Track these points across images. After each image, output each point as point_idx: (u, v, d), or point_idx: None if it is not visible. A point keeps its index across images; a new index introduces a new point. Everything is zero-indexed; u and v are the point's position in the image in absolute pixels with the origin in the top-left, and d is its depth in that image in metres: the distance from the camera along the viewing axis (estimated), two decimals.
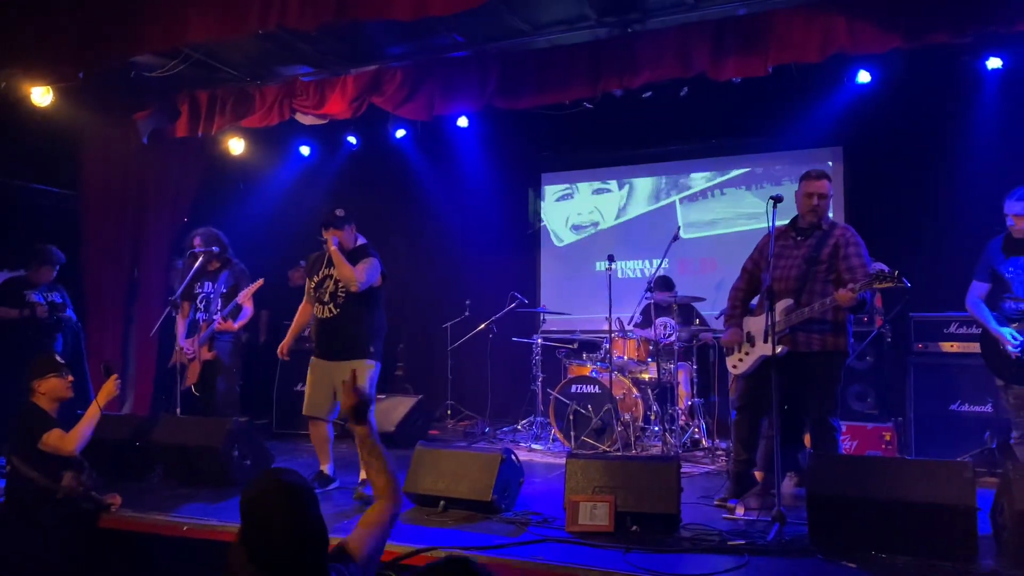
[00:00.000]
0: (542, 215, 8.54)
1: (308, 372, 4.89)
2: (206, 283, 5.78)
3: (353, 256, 4.79)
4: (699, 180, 7.79)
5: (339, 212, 4.83)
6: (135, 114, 6.79)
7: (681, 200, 7.07)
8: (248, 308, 5.78)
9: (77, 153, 7.10)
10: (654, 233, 6.81)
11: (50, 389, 4.28)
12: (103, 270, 7.10)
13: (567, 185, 8.45)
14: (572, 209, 7.66)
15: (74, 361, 6.27)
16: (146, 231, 7.21)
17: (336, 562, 2.09)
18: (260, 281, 5.77)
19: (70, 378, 4.38)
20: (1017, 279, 4.46)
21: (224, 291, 5.71)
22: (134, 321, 7.09)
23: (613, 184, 7.49)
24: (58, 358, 4.49)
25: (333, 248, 4.71)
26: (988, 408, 5.32)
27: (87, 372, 6.47)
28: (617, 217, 7.66)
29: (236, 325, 5.71)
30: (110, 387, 4.36)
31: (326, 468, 4.88)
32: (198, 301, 5.78)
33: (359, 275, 4.69)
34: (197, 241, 5.77)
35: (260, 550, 1.91)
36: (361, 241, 4.95)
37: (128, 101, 6.79)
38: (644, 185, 7.70)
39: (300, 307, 5.09)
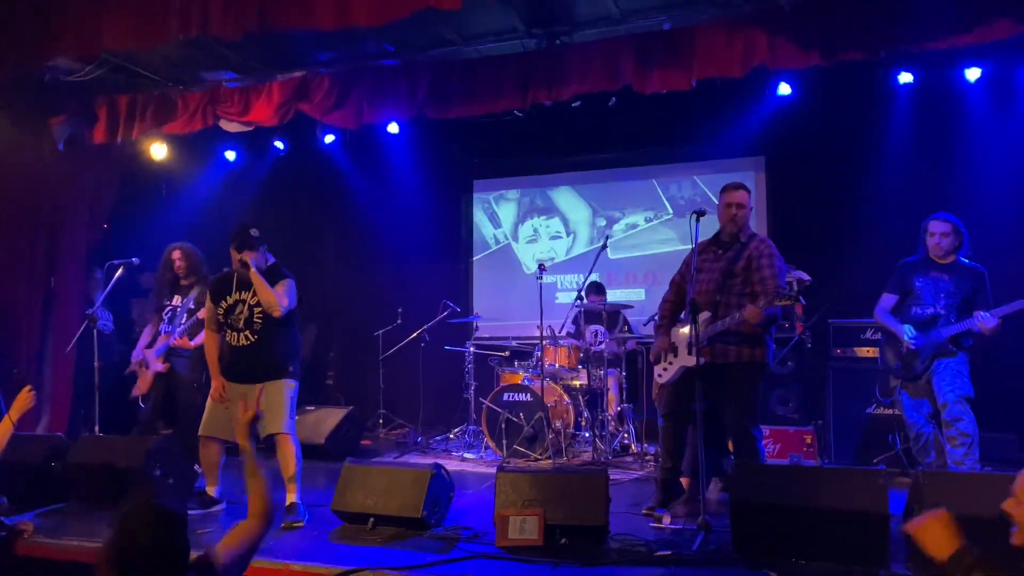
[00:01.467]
0: (515, 250, 8.81)
1: (211, 391, 4.62)
2: (176, 296, 5.61)
3: (269, 278, 4.51)
4: (620, 228, 8.35)
5: (254, 232, 4.52)
6: (50, 119, 6.55)
7: (611, 243, 7.65)
8: None
9: None
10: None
11: None
12: (16, 280, 6.79)
13: (531, 231, 8.73)
14: (536, 249, 8.69)
15: None
16: (62, 240, 6.93)
17: (194, 572, 2.25)
18: None
19: None
20: (926, 289, 4.76)
21: (191, 307, 5.52)
22: (50, 334, 6.80)
23: (563, 232, 8.66)
24: None
25: (254, 271, 4.42)
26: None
27: None
28: (567, 254, 8.64)
29: (193, 343, 5.48)
30: (24, 399, 4.01)
31: (212, 490, 4.70)
32: (164, 313, 5.60)
33: (281, 300, 4.45)
34: (176, 254, 5.58)
35: (125, 565, 2.10)
36: (271, 260, 4.67)
37: (42, 106, 6.54)
38: (583, 232, 8.59)
39: (207, 339, 4.72)
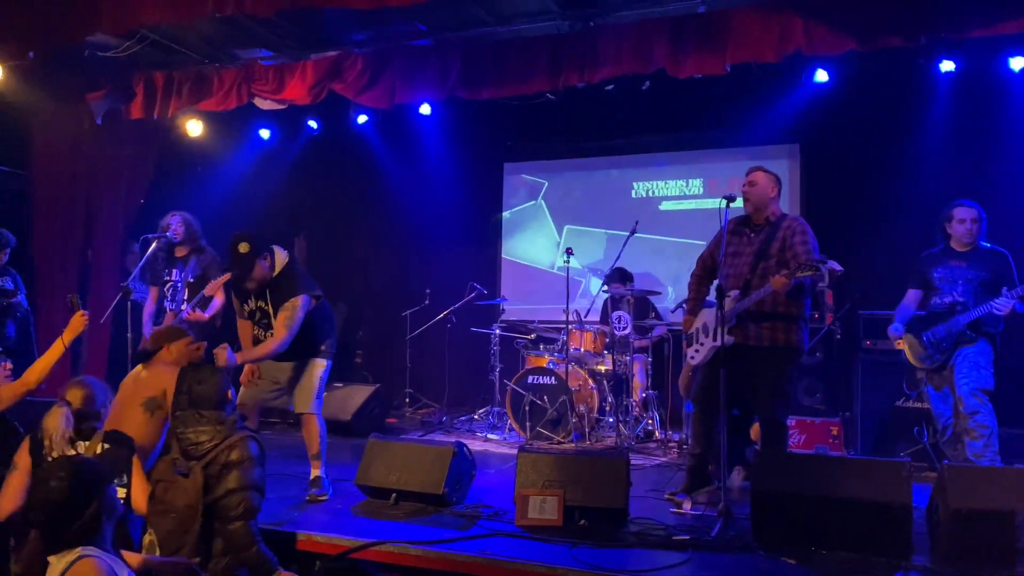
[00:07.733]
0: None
1: (243, 374, 4.61)
2: (174, 270, 5.63)
3: (278, 291, 4.36)
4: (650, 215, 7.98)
5: (243, 248, 4.22)
6: (88, 94, 6.66)
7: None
8: (218, 299, 5.53)
9: (28, 132, 6.93)
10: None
11: None
12: (54, 252, 6.95)
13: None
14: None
15: (23, 347, 6.16)
16: (100, 213, 7.07)
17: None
18: (227, 275, 5.61)
19: (8, 365, 4.21)
20: (945, 279, 4.78)
21: (191, 279, 5.53)
22: (87, 306, 6.93)
23: None
24: None
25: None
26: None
27: (36, 357, 6.34)
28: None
29: (207, 316, 5.49)
30: (76, 323, 4.00)
31: None
32: (166, 288, 5.62)
33: (283, 339, 4.24)
34: (174, 221, 5.59)
35: (44, 519, 2.36)
36: (285, 259, 4.45)
37: (82, 81, 6.66)
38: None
39: (239, 325, 4.70)
